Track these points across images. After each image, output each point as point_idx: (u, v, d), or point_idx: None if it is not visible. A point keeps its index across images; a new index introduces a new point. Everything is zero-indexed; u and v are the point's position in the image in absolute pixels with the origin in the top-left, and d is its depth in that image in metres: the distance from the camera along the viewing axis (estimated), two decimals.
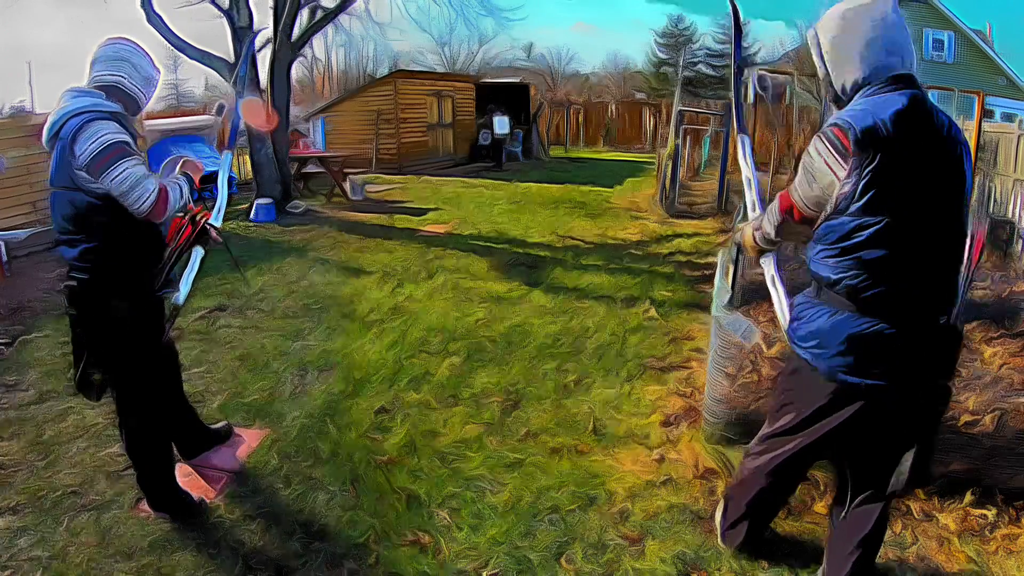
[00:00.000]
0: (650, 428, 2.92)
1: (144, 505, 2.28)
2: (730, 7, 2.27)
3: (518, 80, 19.17)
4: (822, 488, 2.36)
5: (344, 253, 6.30)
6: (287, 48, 8.66)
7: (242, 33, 8.09)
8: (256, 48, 8.78)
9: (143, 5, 7.68)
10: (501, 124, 14.86)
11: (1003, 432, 2.54)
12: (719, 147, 9.13)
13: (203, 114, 11.31)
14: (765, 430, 1.90)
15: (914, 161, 1.47)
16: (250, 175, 9.07)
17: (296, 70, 10.58)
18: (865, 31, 1.55)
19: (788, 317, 1.78)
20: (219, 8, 8.28)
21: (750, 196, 2.09)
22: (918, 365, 1.56)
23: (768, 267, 1.93)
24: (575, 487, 2.46)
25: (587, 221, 7.97)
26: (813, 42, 1.66)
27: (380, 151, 13.35)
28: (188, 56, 8.21)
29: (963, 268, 1.58)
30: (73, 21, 48.72)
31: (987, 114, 8.50)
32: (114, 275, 2.04)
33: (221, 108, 9.87)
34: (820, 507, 2.28)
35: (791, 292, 1.84)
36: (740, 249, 2.17)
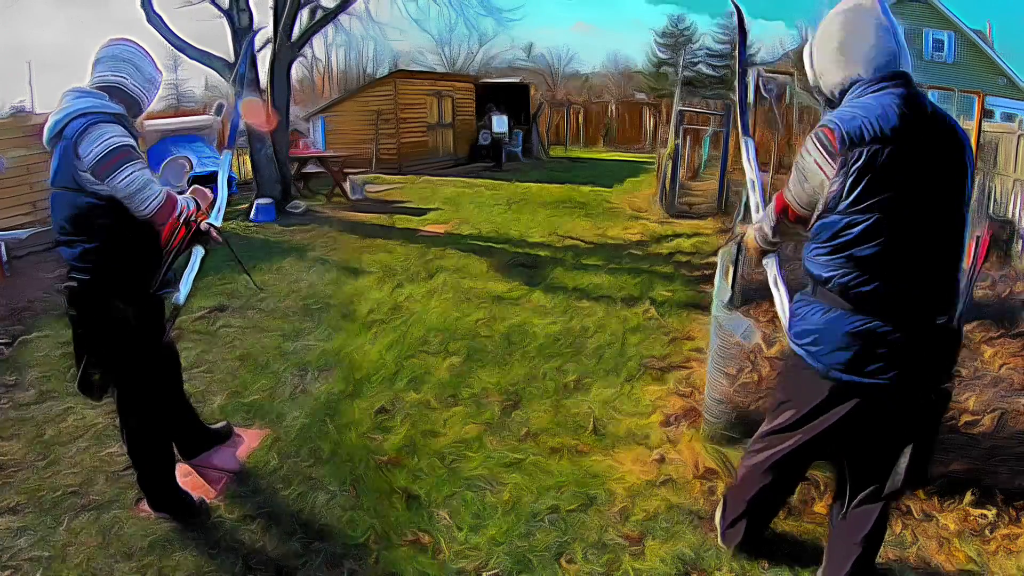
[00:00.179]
0: (650, 428, 2.92)
1: (144, 505, 2.28)
2: (734, 10, 2.27)
3: (518, 80, 19.18)
4: (822, 488, 2.36)
5: (344, 253, 6.30)
6: (287, 48, 8.66)
7: (242, 33, 8.09)
8: (256, 48, 8.79)
9: (143, 5, 7.68)
10: (500, 123, 14.88)
11: (1003, 432, 2.54)
12: (719, 147, 9.13)
13: (203, 114, 11.30)
14: (764, 427, 1.91)
15: (902, 159, 1.48)
16: (250, 175, 9.08)
17: (296, 70, 10.60)
18: (845, 35, 1.60)
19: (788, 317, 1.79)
20: (219, 8, 8.29)
21: (754, 198, 2.09)
22: (913, 364, 1.55)
23: (770, 268, 1.94)
24: (575, 487, 2.46)
25: (587, 221, 7.97)
26: (806, 52, 1.72)
27: (380, 151, 13.35)
28: (188, 56, 8.21)
29: (968, 268, 1.58)
30: (73, 21, 48.80)
31: (987, 114, 8.49)
32: (114, 276, 2.04)
33: (220, 108, 9.89)
34: (820, 507, 2.28)
35: (791, 291, 1.84)
36: (740, 249, 2.18)
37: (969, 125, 6.12)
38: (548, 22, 62.27)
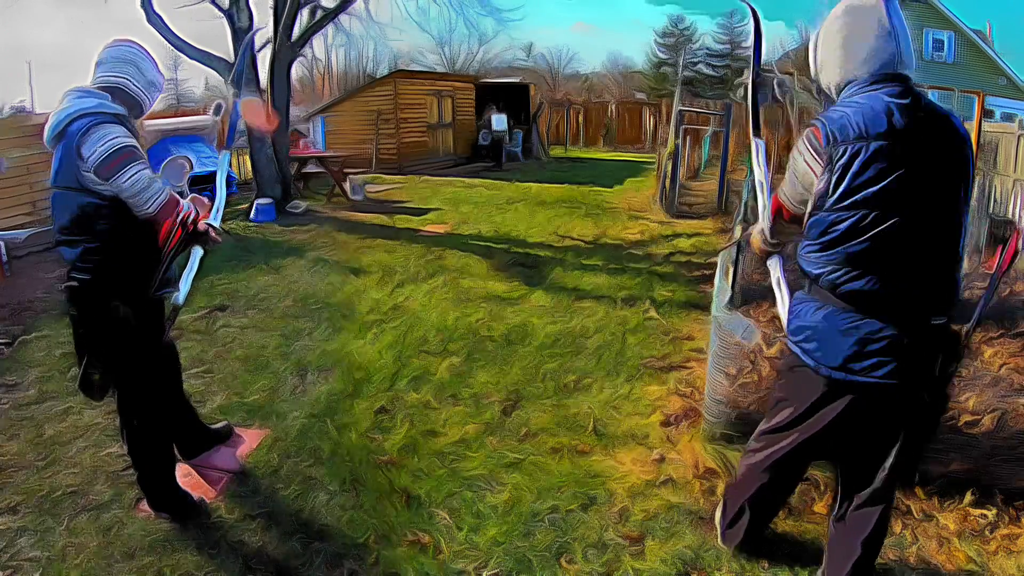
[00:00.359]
0: (650, 428, 2.92)
1: (144, 505, 2.28)
2: (749, 13, 2.24)
3: (518, 80, 19.17)
4: (822, 488, 2.36)
5: (344, 253, 6.30)
6: (287, 48, 8.66)
7: (242, 33, 8.09)
8: (256, 48, 8.78)
9: (143, 5, 7.68)
10: (499, 121, 14.89)
11: (1003, 432, 2.54)
12: (719, 147, 9.13)
13: (203, 114, 11.30)
14: (763, 426, 1.91)
15: (888, 157, 1.47)
16: (250, 175, 9.07)
17: (296, 70, 10.59)
18: (845, 34, 1.61)
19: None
20: (219, 8, 8.28)
21: (762, 200, 2.08)
22: (905, 364, 1.54)
23: (774, 269, 1.94)
24: (575, 487, 2.46)
25: (587, 221, 7.97)
26: (811, 45, 1.73)
27: (380, 151, 13.35)
28: (188, 56, 8.20)
29: (992, 274, 1.58)
30: (73, 21, 48.79)
31: (987, 114, 8.50)
32: (115, 275, 2.04)
33: (219, 108, 9.86)
34: (820, 507, 2.28)
35: (792, 291, 1.85)
36: (740, 249, 2.18)
37: (969, 125, 6.11)
38: (548, 22, 62.39)
